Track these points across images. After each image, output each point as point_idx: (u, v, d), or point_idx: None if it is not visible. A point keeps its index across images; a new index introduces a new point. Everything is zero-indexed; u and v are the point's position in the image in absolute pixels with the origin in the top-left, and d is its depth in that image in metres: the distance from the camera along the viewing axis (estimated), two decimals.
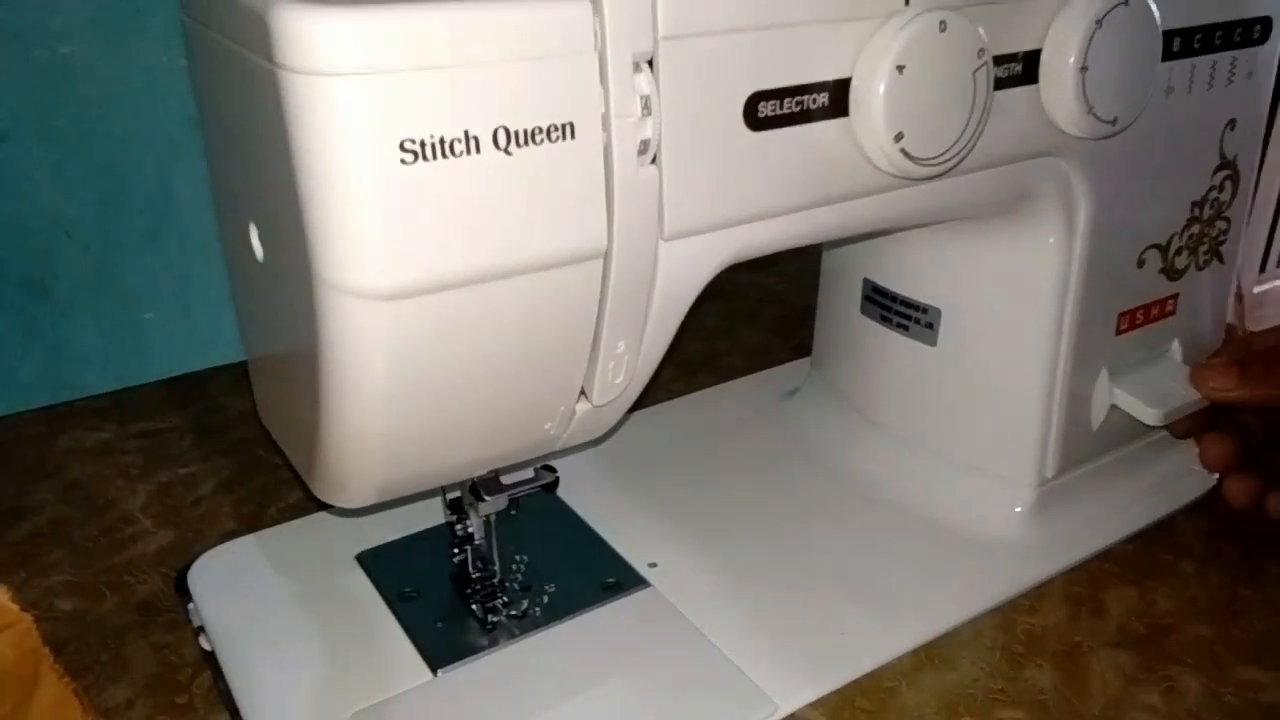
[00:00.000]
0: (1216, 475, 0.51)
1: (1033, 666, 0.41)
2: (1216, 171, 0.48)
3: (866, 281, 0.52)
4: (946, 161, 0.35)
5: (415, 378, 0.30)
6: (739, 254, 0.35)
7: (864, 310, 0.53)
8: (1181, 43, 0.43)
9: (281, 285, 0.32)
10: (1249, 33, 0.45)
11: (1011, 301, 0.46)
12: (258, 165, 0.31)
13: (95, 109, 0.57)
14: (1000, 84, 0.38)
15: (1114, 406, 0.48)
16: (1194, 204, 0.47)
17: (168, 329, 0.64)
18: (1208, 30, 0.44)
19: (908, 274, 0.50)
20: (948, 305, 0.48)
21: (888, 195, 0.37)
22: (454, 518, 0.43)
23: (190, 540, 0.49)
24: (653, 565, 0.46)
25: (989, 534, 0.48)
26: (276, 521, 0.50)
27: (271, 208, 0.30)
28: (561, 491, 0.51)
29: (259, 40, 0.27)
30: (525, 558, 0.46)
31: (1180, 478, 0.52)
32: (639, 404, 0.59)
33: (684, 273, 0.34)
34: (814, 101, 0.34)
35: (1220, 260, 0.50)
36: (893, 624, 0.43)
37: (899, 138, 0.34)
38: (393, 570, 0.46)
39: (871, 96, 0.33)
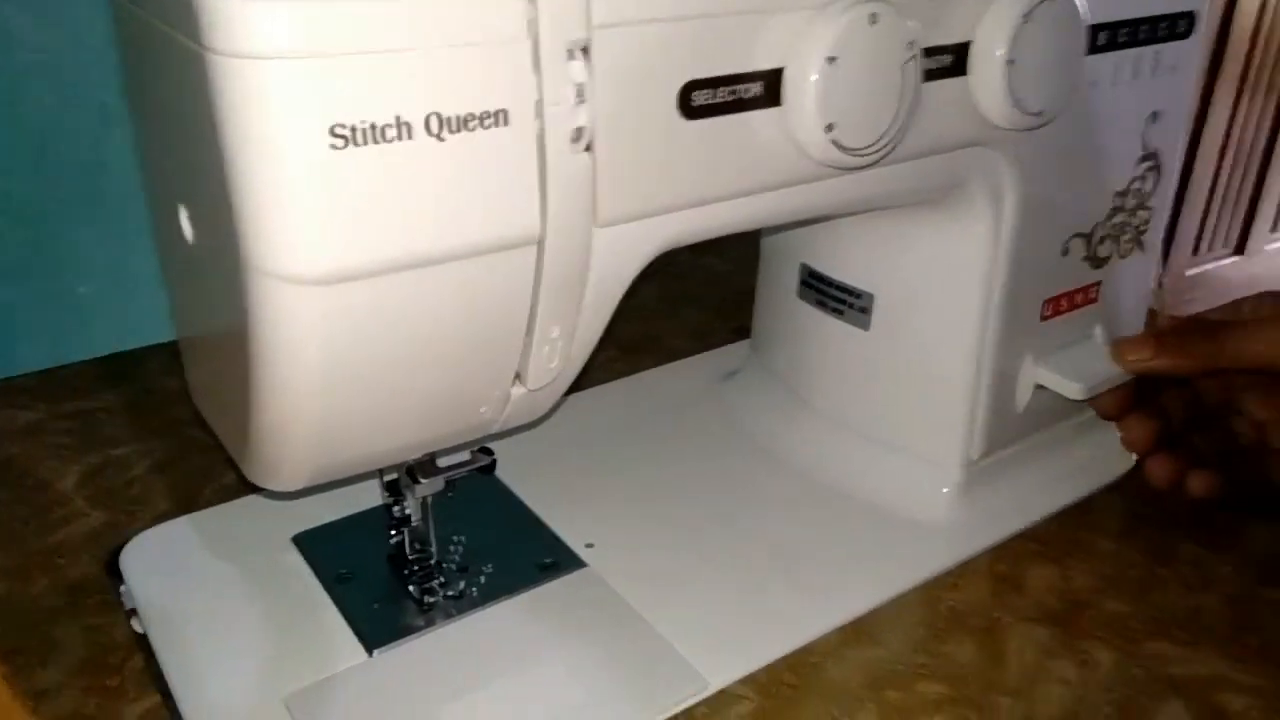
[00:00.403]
0: (1137, 456, 0.53)
1: (954, 642, 0.43)
2: (1139, 162, 0.49)
3: (803, 266, 0.53)
4: (876, 152, 0.36)
5: (347, 363, 0.31)
6: (673, 240, 0.36)
7: (801, 294, 0.54)
8: (1107, 36, 0.44)
9: (212, 268, 0.32)
10: (1173, 27, 0.47)
11: (941, 288, 0.47)
12: (187, 147, 0.30)
13: (25, 76, 0.56)
14: (931, 75, 0.39)
15: (1039, 388, 0.50)
16: (1117, 194, 0.49)
17: (102, 304, 0.63)
18: (1133, 24, 0.45)
19: (843, 260, 0.51)
20: (881, 291, 0.49)
21: (820, 184, 0.38)
22: (391, 499, 0.43)
23: (123, 522, 0.49)
24: (589, 546, 0.47)
25: (918, 514, 0.50)
26: (211, 503, 0.50)
27: (202, 190, 0.30)
28: (501, 472, 0.51)
29: (187, 22, 0.26)
30: (463, 539, 0.47)
31: (1102, 458, 0.53)
32: (579, 385, 0.60)
33: (618, 259, 0.34)
34: (748, 91, 0.34)
35: (1142, 249, 0.52)
36: (821, 602, 0.44)
37: (830, 128, 0.34)
38: (329, 552, 0.46)
39: (803, 87, 0.34)
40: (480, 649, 0.41)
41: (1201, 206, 2.34)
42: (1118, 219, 0.50)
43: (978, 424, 0.49)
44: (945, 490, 0.50)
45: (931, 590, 0.46)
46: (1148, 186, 0.50)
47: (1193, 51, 0.48)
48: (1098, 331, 0.52)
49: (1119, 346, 0.49)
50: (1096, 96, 0.45)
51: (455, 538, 0.47)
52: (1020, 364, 0.49)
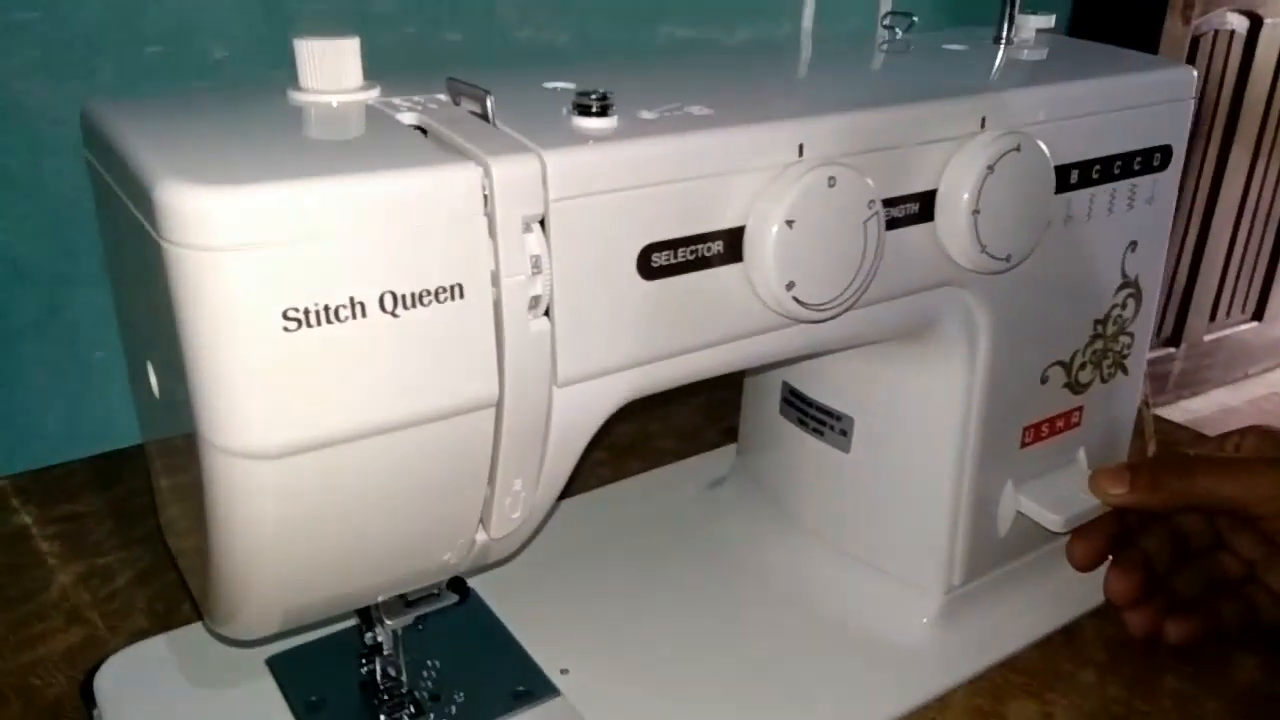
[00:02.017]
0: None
1: None
2: (1119, 290, 0.49)
3: (785, 384, 0.53)
4: (838, 306, 0.36)
5: (303, 526, 0.31)
6: (638, 392, 0.36)
7: (783, 411, 0.54)
8: (1080, 175, 0.44)
9: (174, 424, 0.32)
10: (1149, 161, 0.47)
11: (919, 415, 0.47)
12: (151, 313, 0.31)
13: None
14: (898, 223, 0.39)
15: (1019, 514, 0.50)
16: (1096, 321, 0.49)
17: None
18: (1107, 161, 0.45)
19: (823, 382, 0.51)
20: (861, 415, 0.50)
21: (785, 332, 0.38)
22: (362, 626, 0.43)
23: (102, 638, 0.49)
24: (564, 672, 0.47)
25: (898, 640, 0.49)
26: (190, 619, 0.50)
27: (163, 356, 0.31)
28: (480, 586, 0.51)
29: (146, 209, 0.27)
30: (437, 664, 0.47)
31: (1086, 583, 0.53)
32: (565, 492, 0.60)
33: (580, 414, 0.35)
34: (709, 249, 0.34)
35: (1125, 372, 0.52)
36: None
37: (790, 285, 0.35)
38: (302, 677, 0.46)
39: (763, 247, 0.34)
40: None
41: (1219, 272, 2.33)
42: (1098, 345, 0.50)
43: (958, 549, 0.49)
44: (926, 616, 0.50)
45: None
46: (1128, 313, 0.50)
47: (1170, 182, 0.49)
48: (1081, 455, 0.52)
49: (1096, 478, 0.49)
50: (1072, 231, 0.45)
51: (429, 663, 0.47)
52: (1000, 490, 0.49)
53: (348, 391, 0.29)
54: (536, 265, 0.31)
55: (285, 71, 0.33)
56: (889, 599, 0.50)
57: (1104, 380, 0.51)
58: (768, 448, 0.56)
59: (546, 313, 0.32)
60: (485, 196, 0.29)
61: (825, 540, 0.53)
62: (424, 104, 0.34)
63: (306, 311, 0.27)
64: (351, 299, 0.28)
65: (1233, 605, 0.49)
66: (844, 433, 0.50)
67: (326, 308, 0.27)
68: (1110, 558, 0.49)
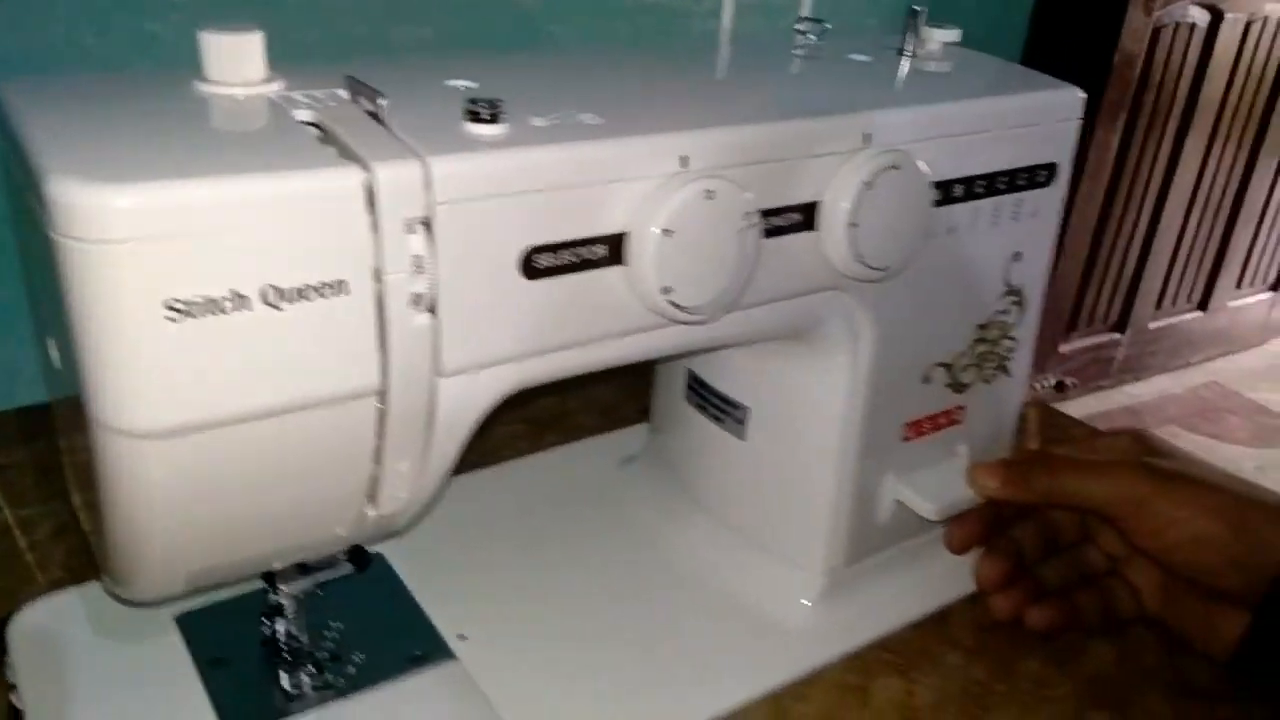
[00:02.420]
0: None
1: None
2: (1002, 297, 0.52)
3: (689, 372, 0.56)
4: (714, 310, 0.39)
5: (193, 502, 0.33)
6: (523, 384, 0.38)
7: (687, 397, 0.56)
8: (964, 189, 0.47)
9: (71, 393, 0.34)
10: (1034, 178, 0.50)
11: (806, 408, 0.50)
12: (47, 289, 0.33)
13: None
14: (781, 231, 0.41)
15: (899, 502, 0.53)
16: (979, 326, 0.52)
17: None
18: (991, 177, 0.48)
19: (723, 373, 0.53)
20: (756, 405, 0.52)
21: (668, 330, 0.40)
22: (266, 588, 0.46)
23: (18, 588, 0.51)
24: (462, 638, 0.49)
25: (781, 619, 0.52)
26: None
27: (58, 329, 0.32)
28: (389, 552, 0.54)
29: (39, 199, 0.29)
30: (340, 626, 0.49)
31: (962, 569, 0.56)
32: (479, 463, 0.62)
33: (465, 403, 0.37)
34: (592, 253, 0.37)
35: (1007, 373, 0.55)
36: (673, 707, 0.47)
37: (667, 290, 0.37)
38: (209, 634, 0.48)
39: (642, 254, 0.37)
40: None
41: (1167, 261, 2.38)
42: (981, 349, 0.52)
43: (840, 534, 0.52)
44: (809, 595, 0.53)
45: (780, 699, 0.48)
46: (1011, 318, 0.53)
47: (1054, 197, 0.51)
48: (962, 449, 0.55)
49: (972, 472, 0.52)
50: (955, 241, 0.48)
51: (332, 624, 0.49)
52: (881, 480, 0.52)
53: (232, 378, 0.31)
54: (419, 264, 0.33)
55: None
56: (776, 578, 0.53)
57: (986, 381, 0.54)
58: (674, 430, 0.58)
59: (431, 309, 0.34)
60: (370, 198, 0.31)
61: (722, 520, 0.56)
62: (323, 100, 0.35)
63: (190, 303, 0.29)
64: (234, 292, 0.30)
65: (1093, 596, 0.53)
66: (740, 421, 0.53)
67: (210, 300, 0.29)
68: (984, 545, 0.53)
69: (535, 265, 0.36)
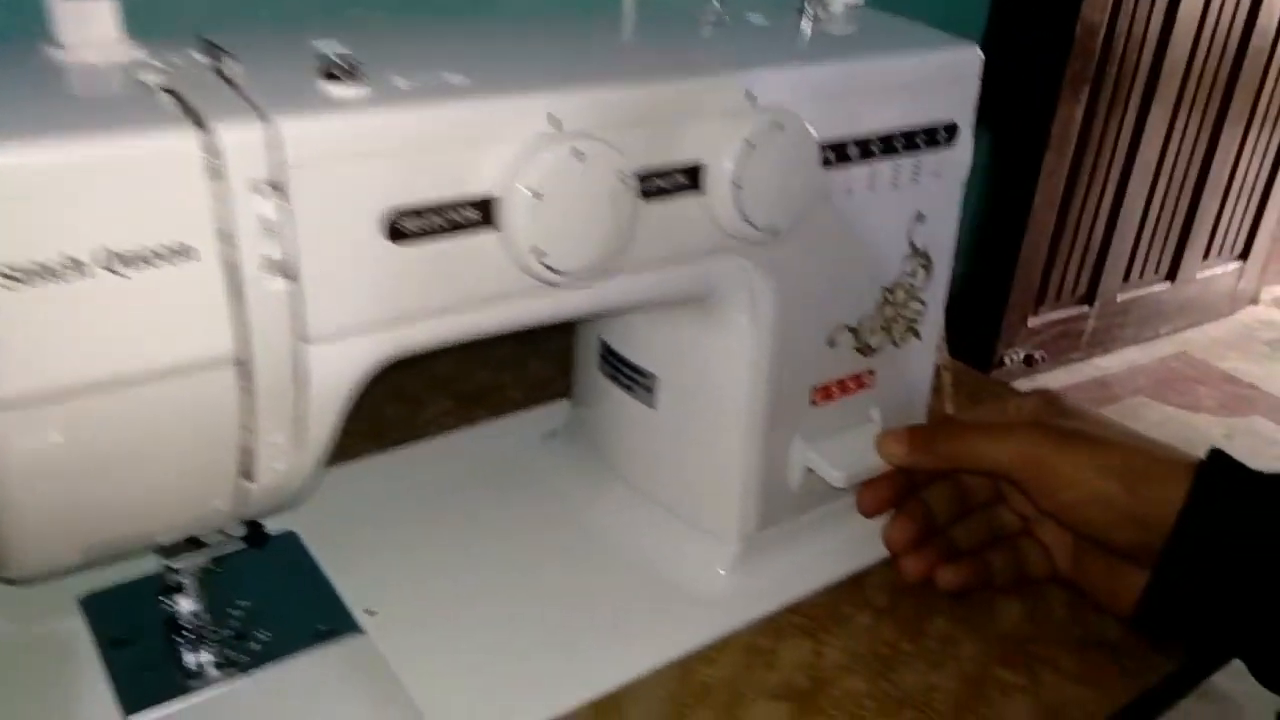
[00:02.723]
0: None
1: (694, 718, 0.45)
2: (907, 259, 0.52)
3: (601, 341, 0.55)
4: (593, 274, 0.39)
5: (53, 476, 0.33)
6: (400, 352, 0.38)
7: (600, 367, 0.56)
8: (860, 150, 0.47)
9: None
10: (933, 137, 0.50)
11: (713, 374, 0.50)
12: None
13: None
14: (665, 193, 0.41)
15: (811, 468, 0.53)
16: (885, 289, 0.52)
17: None
18: (887, 138, 0.48)
19: (632, 341, 0.53)
20: (663, 373, 0.52)
21: (550, 296, 0.40)
22: (165, 566, 0.45)
23: None
24: (371, 613, 0.49)
25: (695, 586, 0.52)
26: None
27: None
28: (303, 526, 0.54)
29: None
30: (246, 603, 0.49)
31: (876, 533, 0.56)
32: (401, 439, 0.62)
33: (338, 371, 0.37)
34: (461, 215, 0.36)
35: (918, 336, 0.55)
36: (582, 675, 0.47)
37: (540, 255, 0.37)
38: (112, 615, 0.48)
39: (513, 217, 0.36)
40: (234, 718, 0.43)
41: (1134, 233, 2.39)
42: (888, 312, 0.52)
43: (752, 501, 0.52)
44: (723, 561, 0.53)
45: (690, 664, 0.49)
46: (918, 281, 0.53)
47: (957, 158, 0.51)
48: (875, 414, 0.55)
49: (880, 439, 0.52)
50: (853, 202, 0.48)
51: (239, 602, 0.49)
52: (791, 446, 0.52)
53: (78, 346, 0.31)
54: (271, 228, 0.32)
55: None
56: (690, 546, 0.53)
57: (896, 344, 0.54)
58: (592, 401, 0.58)
59: (288, 276, 0.34)
60: (211, 160, 0.31)
61: (639, 490, 0.56)
62: (175, 64, 0.35)
63: (24, 270, 0.29)
64: (69, 258, 0.29)
65: (1005, 556, 0.53)
66: (650, 390, 0.53)
67: (44, 266, 0.29)
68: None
69: (401, 229, 0.35)
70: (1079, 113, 2.09)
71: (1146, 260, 2.46)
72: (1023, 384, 2.19)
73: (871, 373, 0.54)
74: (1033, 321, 2.32)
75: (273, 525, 0.53)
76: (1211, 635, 0.47)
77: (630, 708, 0.46)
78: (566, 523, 0.56)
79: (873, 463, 0.52)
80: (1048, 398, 0.53)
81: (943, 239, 0.53)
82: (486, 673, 0.47)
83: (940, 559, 0.52)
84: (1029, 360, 2.39)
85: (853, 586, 0.54)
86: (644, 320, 0.52)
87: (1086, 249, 2.32)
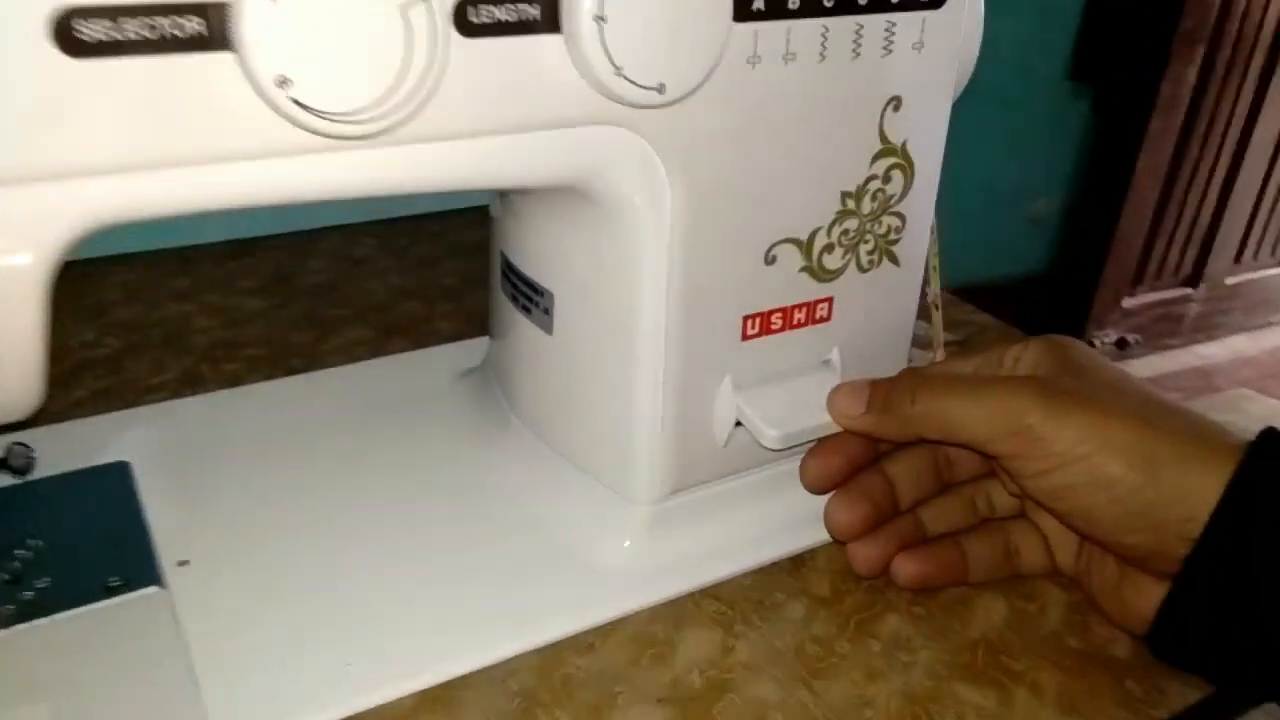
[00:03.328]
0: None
1: None
2: (876, 158, 0.40)
3: (502, 254, 0.45)
4: (376, 120, 0.29)
5: None
6: (111, 216, 0.29)
7: (503, 286, 0.46)
8: (803, 1, 0.35)
9: None
10: None
11: (615, 293, 0.40)
12: None
13: None
14: (509, 29, 0.31)
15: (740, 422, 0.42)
16: (845, 195, 0.40)
17: None
18: None
19: (526, 250, 0.43)
20: (558, 289, 0.42)
21: (331, 156, 0.30)
22: None
23: None
24: (183, 564, 0.41)
25: (592, 557, 0.42)
26: None
27: None
28: (142, 457, 0.46)
29: None
30: (39, 544, 0.41)
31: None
32: (305, 369, 0.53)
33: (19, 238, 0.28)
34: (178, 26, 0.27)
35: (895, 262, 0.43)
36: (417, 658, 0.37)
37: (284, 83, 0.27)
38: None
39: (242, 28, 0.26)
40: None
41: (1249, 212, 2.19)
42: (850, 225, 0.41)
43: (663, 456, 0.42)
44: (627, 529, 0.43)
45: (564, 650, 0.39)
46: (893, 188, 0.41)
47: (949, 26, 0.40)
48: (834, 357, 0.44)
49: (833, 394, 0.41)
50: (792, 74, 0.37)
51: (30, 541, 0.41)
52: (716, 391, 0.41)
53: None
54: None
55: None
56: (591, 509, 0.43)
57: (863, 268, 0.43)
58: (500, 331, 0.48)
59: None
60: None
61: (543, 438, 0.46)
62: None
63: None
64: None
65: (988, 546, 0.42)
66: (547, 310, 0.43)
67: None
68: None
69: (79, 36, 0.26)
70: (1192, 73, 1.91)
71: (1261, 241, 2.26)
72: None
73: (827, 302, 0.42)
74: (1128, 302, 2.15)
75: (107, 454, 0.45)
76: (1244, 669, 0.35)
77: (466, 703, 0.36)
78: (453, 473, 0.47)
79: (821, 421, 0.41)
80: (1054, 344, 0.41)
81: (929, 135, 0.41)
82: (298, 650, 0.37)
83: (903, 547, 0.41)
84: (1121, 344, 2.21)
85: (790, 570, 0.43)
86: (540, 224, 0.42)
87: (1194, 225, 2.14)
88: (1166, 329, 2.27)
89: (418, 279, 0.65)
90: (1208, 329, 2.32)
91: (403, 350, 0.57)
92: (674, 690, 0.37)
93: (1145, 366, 2.20)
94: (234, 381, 0.53)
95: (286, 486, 0.45)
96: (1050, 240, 2.09)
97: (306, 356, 0.56)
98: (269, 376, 0.54)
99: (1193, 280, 2.22)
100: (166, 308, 0.60)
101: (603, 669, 0.38)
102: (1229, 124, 1.99)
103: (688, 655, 0.39)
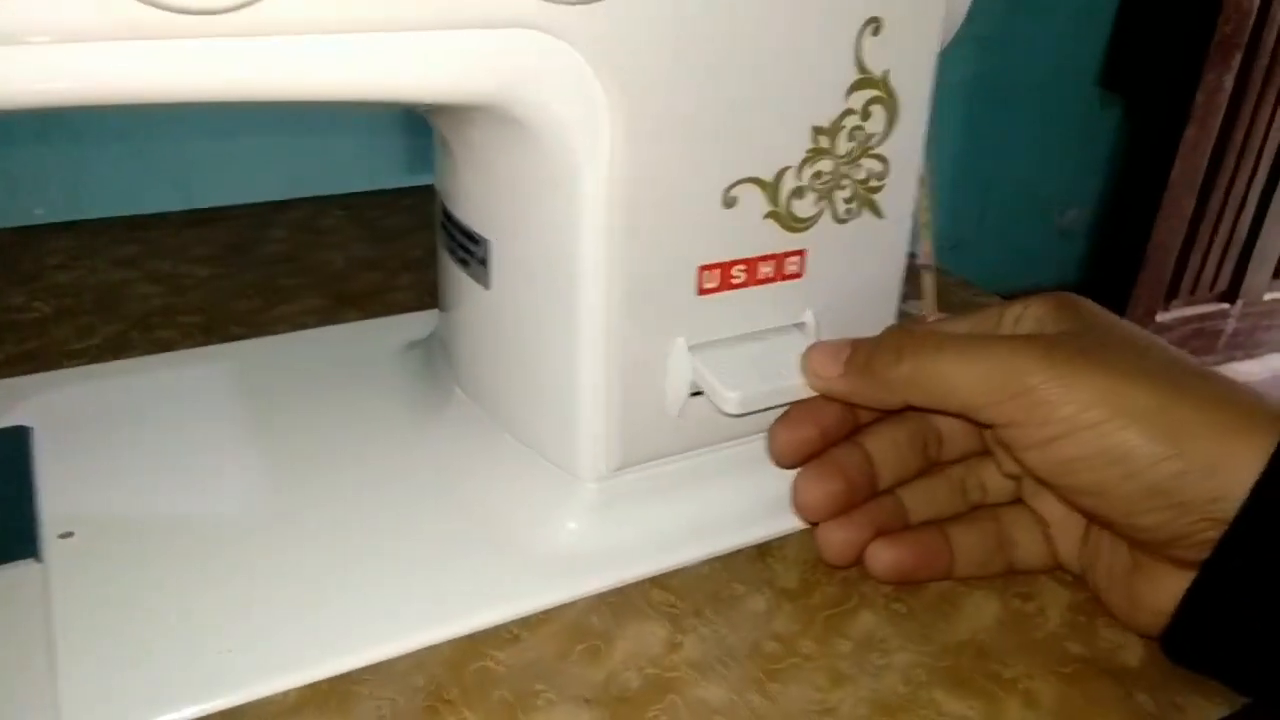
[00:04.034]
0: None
1: None
2: (852, 90, 0.36)
3: (441, 205, 0.41)
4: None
5: None
6: None
7: (441, 239, 0.42)
8: None
9: None
10: None
11: (551, 238, 0.35)
12: None
13: None
14: None
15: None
16: (817, 131, 0.36)
17: None
18: None
19: (462, 194, 0.39)
20: (495, 236, 0.37)
21: (174, 47, 0.26)
22: None
23: None
24: (66, 536, 0.36)
25: (533, 539, 0.38)
26: None
27: None
28: (48, 422, 0.41)
29: None
30: None
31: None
32: (229, 339, 0.49)
33: None
34: None
35: (877, 213, 0.38)
36: (311, 650, 0.33)
37: None
38: None
39: None
40: None
41: None
42: (824, 166, 0.36)
43: (608, 424, 0.37)
44: (571, 509, 0.38)
45: (485, 642, 0.34)
46: (873, 126, 0.37)
47: None
48: (808, 318, 0.39)
49: (808, 352, 0.36)
50: None
51: None
52: (668, 352, 0.37)
53: None
54: None
55: None
56: (530, 485, 0.39)
57: (839, 219, 0.38)
58: (444, 294, 0.44)
59: None
60: None
61: (486, 408, 0.41)
62: None
63: None
64: None
65: (978, 534, 0.37)
66: (483, 261, 0.38)
67: None
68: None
69: None
70: (1229, 82, 1.84)
71: None
72: None
73: (799, 255, 0.37)
74: (1162, 317, 2.07)
75: (8, 418, 0.41)
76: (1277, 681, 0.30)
77: (359, 698, 0.31)
78: (386, 447, 0.42)
79: (791, 383, 0.36)
80: (1062, 300, 0.35)
81: (915, 69, 0.36)
82: (174, 634, 0.33)
83: (878, 531, 0.36)
84: None
85: (754, 559, 0.38)
86: (472, 160, 0.37)
87: (1230, 239, 2.06)
88: (1202, 345, 2.19)
89: (382, 251, 0.61)
90: (1245, 346, 2.25)
91: (355, 320, 0.53)
92: (605, 690, 0.32)
93: None
94: (165, 348, 0.49)
95: (196, 458, 0.41)
96: (1081, 251, 2.03)
97: (248, 325, 0.52)
98: (204, 344, 0.49)
99: (1229, 295, 2.15)
100: (107, 273, 0.56)
101: (526, 664, 0.33)
102: (1267, 133, 1.92)
103: (626, 651, 0.34)
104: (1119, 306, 2.02)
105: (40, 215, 0.62)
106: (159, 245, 0.60)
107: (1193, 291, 2.11)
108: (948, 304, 0.57)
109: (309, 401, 0.45)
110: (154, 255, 0.59)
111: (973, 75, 1.48)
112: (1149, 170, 1.92)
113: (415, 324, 0.51)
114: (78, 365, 0.47)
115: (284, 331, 0.51)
